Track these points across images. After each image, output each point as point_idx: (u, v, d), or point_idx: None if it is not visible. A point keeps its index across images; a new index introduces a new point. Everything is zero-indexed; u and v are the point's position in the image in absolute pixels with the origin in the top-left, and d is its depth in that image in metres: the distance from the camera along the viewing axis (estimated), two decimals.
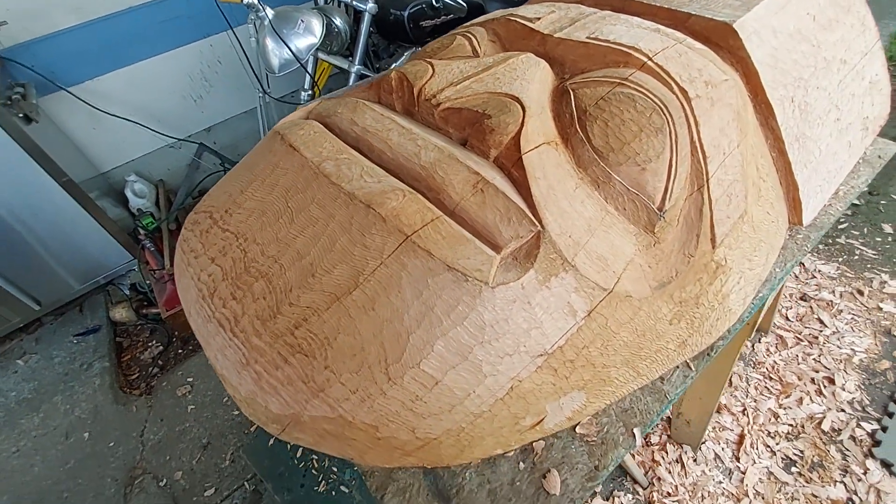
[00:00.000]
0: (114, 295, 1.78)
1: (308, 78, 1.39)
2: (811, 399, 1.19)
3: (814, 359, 1.26)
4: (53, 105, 1.66)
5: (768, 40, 0.63)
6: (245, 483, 1.23)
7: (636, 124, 0.50)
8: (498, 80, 0.53)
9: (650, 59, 0.54)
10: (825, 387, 1.20)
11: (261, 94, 1.45)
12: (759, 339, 1.33)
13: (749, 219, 0.57)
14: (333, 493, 1.00)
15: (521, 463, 0.53)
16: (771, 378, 1.24)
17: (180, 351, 1.63)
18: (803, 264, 1.50)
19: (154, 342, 1.68)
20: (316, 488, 1.01)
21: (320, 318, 0.40)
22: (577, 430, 0.54)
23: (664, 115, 0.50)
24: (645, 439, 1.17)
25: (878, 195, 1.68)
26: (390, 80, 0.58)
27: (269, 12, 1.17)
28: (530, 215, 0.43)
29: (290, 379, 0.39)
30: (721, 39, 0.62)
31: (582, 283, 0.43)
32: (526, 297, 0.41)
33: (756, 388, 1.23)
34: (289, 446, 1.11)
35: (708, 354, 0.59)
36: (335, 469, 1.02)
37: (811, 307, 1.38)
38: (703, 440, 1.13)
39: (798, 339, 1.31)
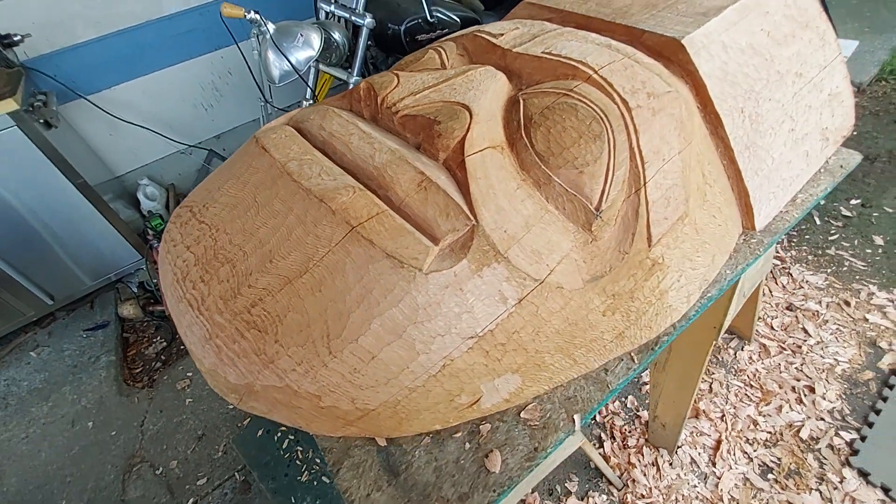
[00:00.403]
0: (123, 292, 1.86)
1: (308, 88, 1.46)
2: (791, 407, 1.20)
3: (796, 367, 1.27)
4: (73, 112, 1.76)
5: (718, 55, 0.67)
6: (236, 473, 1.28)
7: (576, 131, 0.54)
8: (454, 90, 0.58)
9: (595, 72, 0.59)
10: (805, 395, 1.21)
11: (262, 104, 1.53)
12: (742, 348, 1.34)
13: (691, 221, 0.61)
14: (315, 482, 1.04)
15: (467, 443, 0.57)
16: (752, 386, 1.25)
17: (182, 347, 1.70)
18: (791, 274, 1.51)
19: (158, 338, 1.75)
20: (299, 478, 1.06)
21: (274, 298, 0.45)
22: (522, 414, 0.58)
23: (603, 123, 0.55)
24: (622, 441, 1.19)
25: (870, 207, 1.68)
26: (360, 89, 0.63)
27: (271, 27, 1.24)
28: (467, 211, 0.47)
29: (245, 351, 0.44)
30: (671, 54, 0.67)
31: (514, 273, 0.48)
32: (458, 284, 0.45)
33: (736, 395, 1.24)
34: (275, 437, 1.17)
35: (652, 349, 0.62)
36: (318, 460, 1.07)
37: (797, 317, 1.39)
38: (680, 444, 1.15)
39: (781, 347, 1.32)
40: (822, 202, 1.77)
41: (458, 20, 1.49)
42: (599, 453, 1.18)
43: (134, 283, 1.86)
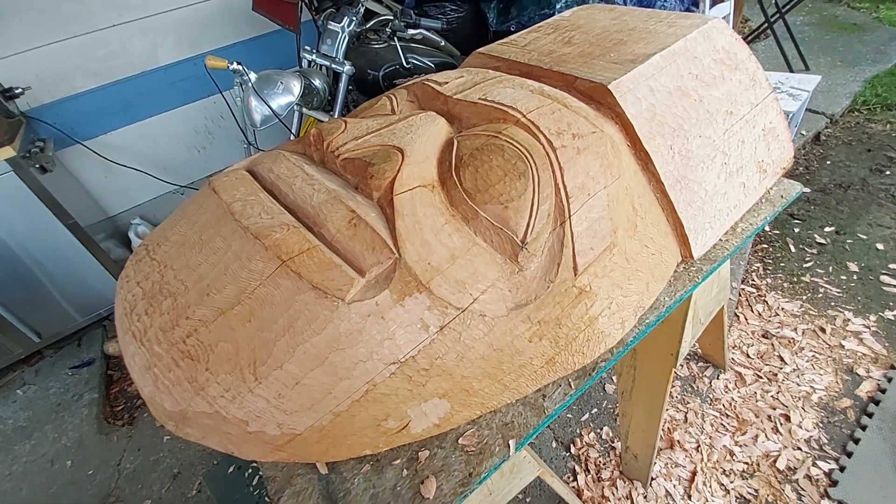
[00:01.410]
0: (110, 329, 1.89)
1: (291, 132, 1.54)
2: (767, 436, 1.19)
3: (772, 396, 1.27)
4: (70, 156, 1.85)
5: (645, 97, 0.73)
6: None
7: (502, 169, 0.59)
8: (393, 134, 0.63)
9: (524, 115, 0.64)
10: (782, 424, 1.20)
11: (246, 146, 1.61)
12: (718, 376, 1.34)
13: (620, 251, 0.64)
14: None
15: (405, 470, 0.58)
16: (727, 415, 1.25)
17: None
18: (767, 302, 1.53)
19: None
20: None
21: (207, 329, 0.48)
22: (460, 441, 0.59)
23: (528, 161, 0.59)
24: (596, 474, 1.18)
25: (844, 234, 1.71)
26: (310, 135, 0.69)
27: (253, 76, 1.33)
28: (391, 245, 0.51)
29: (179, 380, 0.47)
30: (601, 97, 0.72)
31: (435, 302, 0.51)
32: (380, 313, 0.48)
33: (712, 425, 1.23)
34: (245, 474, 1.17)
35: (590, 374, 0.64)
36: None
37: (773, 344, 1.40)
38: (654, 476, 1.13)
39: (758, 376, 1.32)
40: (797, 230, 1.80)
41: (433, 66, 1.58)
42: (573, 487, 1.16)
43: None
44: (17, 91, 1.56)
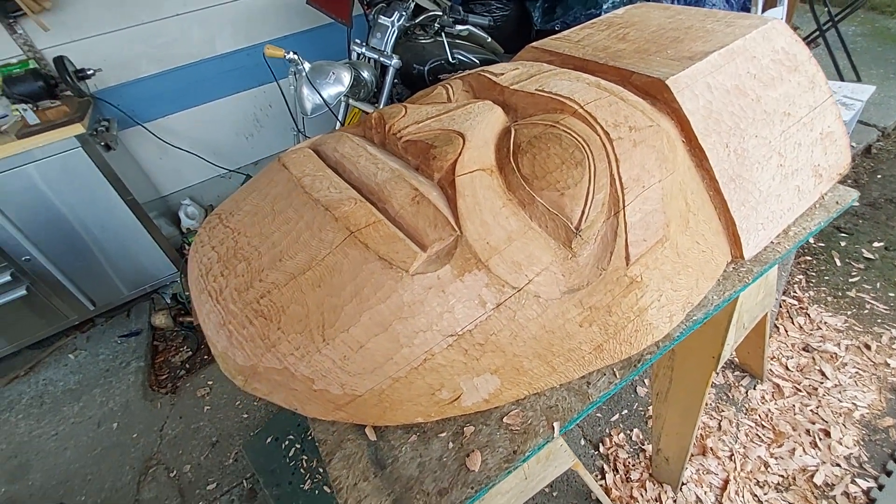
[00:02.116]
0: (157, 302, 1.99)
1: (338, 121, 1.59)
2: (804, 451, 1.15)
3: (811, 410, 1.23)
4: (130, 137, 1.96)
5: (702, 94, 0.73)
6: (244, 481, 1.32)
7: (559, 157, 0.60)
8: (453, 120, 0.66)
9: (581, 107, 0.65)
10: (821, 439, 1.17)
11: (295, 133, 1.67)
12: (754, 387, 1.31)
13: (672, 245, 0.65)
14: (317, 491, 1.08)
15: (450, 443, 0.60)
16: (763, 426, 1.22)
17: (206, 357, 1.79)
18: (809, 315, 1.48)
19: (185, 347, 1.85)
20: (302, 486, 1.10)
21: (280, 292, 0.51)
22: (505, 420, 0.61)
23: (585, 151, 0.61)
24: (625, 475, 1.17)
25: (894, 250, 1.64)
26: (372, 118, 0.72)
27: (307, 65, 1.38)
28: (453, 223, 0.54)
29: (252, 336, 0.51)
30: (657, 93, 0.72)
31: (493, 280, 0.53)
32: (441, 286, 0.51)
33: (746, 435, 1.21)
34: (282, 445, 1.22)
35: (635, 366, 0.65)
36: (321, 470, 1.11)
37: (813, 358, 1.36)
38: (685, 481, 1.12)
39: (796, 389, 1.29)
40: (843, 244, 1.74)
41: (477, 62, 1.60)
42: (601, 485, 1.16)
43: (168, 294, 1.99)
44: (88, 72, 1.67)
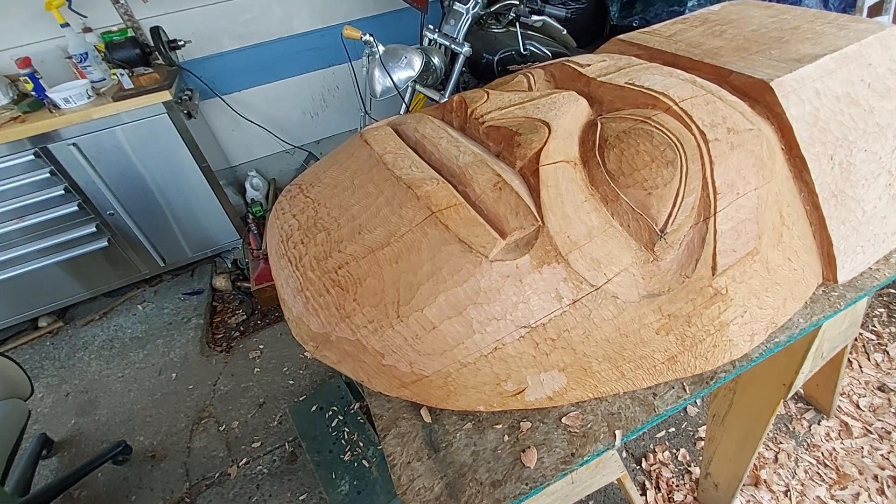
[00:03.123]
0: (219, 266, 2.11)
1: (404, 105, 1.60)
2: (870, 497, 1.06)
3: (881, 454, 1.13)
4: (208, 108, 2.07)
5: (809, 100, 0.67)
6: (286, 444, 1.38)
7: (649, 155, 0.57)
8: (537, 109, 0.64)
9: (676, 103, 0.62)
10: (889, 487, 1.07)
11: (362, 114, 1.70)
12: (819, 422, 1.22)
13: (762, 259, 0.61)
14: (356, 464, 1.11)
15: (506, 436, 0.60)
16: (826, 465, 1.13)
17: (259, 322, 1.88)
18: (888, 352, 1.35)
19: (241, 311, 1.95)
20: (342, 456, 1.14)
21: (357, 264, 0.52)
22: (563, 420, 0.59)
23: (678, 150, 0.57)
24: (667, 494, 1.12)
25: None
26: (452, 101, 0.71)
27: (381, 48, 1.40)
28: (535, 213, 0.52)
29: (328, 305, 0.52)
30: (758, 95, 0.67)
31: (571, 275, 0.51)
32: (519, 276, 0.50)
33: (806, 472, 1.12)
34: (326, 415, 1.26)
35: (707, 383, 0.62)
36: (361, 444, 1.14)
37: (889, 399, 1.24)
38: None
39: (867, 430, 1.18)
40: None
41: (549, 54, 1.56)
42: (642, 501, 1.12)
43: (229, 259, 2.10)
44: (180, 43, 1.77)
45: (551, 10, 1.58)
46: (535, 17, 1.58)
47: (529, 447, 0.58)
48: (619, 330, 0.53)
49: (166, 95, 1.60)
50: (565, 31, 1.74)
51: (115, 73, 1.64)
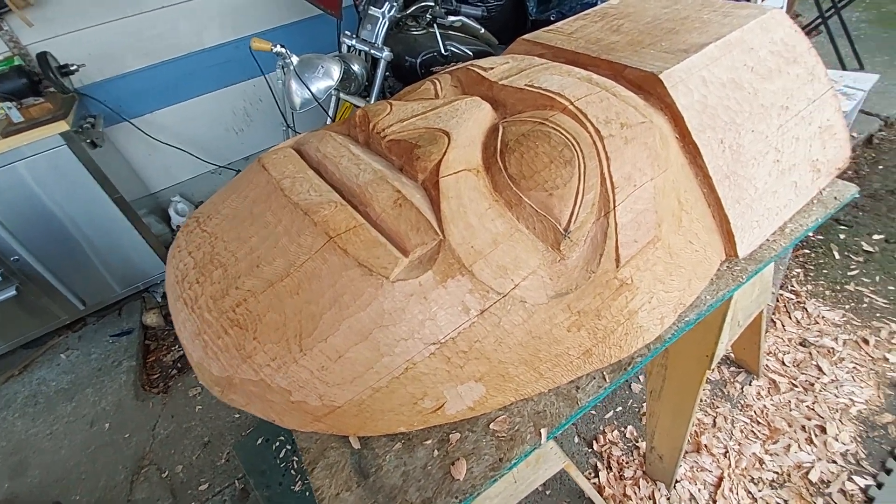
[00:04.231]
0: (148, 301, 1.97)
1: (328, 116, 1.56)
2: (800, 447, 1.15)
3: (807, 406, 1.22)
4: (118, 133, 1.93)
5: (697, 88, 0.70)
6: (236, 481, 1.31)
7: (548, 156, 0.58)
8: (438, 118, 0.63)
9: (571, 103, 0.63)
10: (817, 436, 1.16)
11: (285, 129, 1.64)
12: (750, 382, 1.30)
13: (664, 245, 0.63)
14: (307, 493, 1.07)
15: (435, 451, 0.59)
16: (758, 422, 1.21)
17: None
18: (806, 309, 1.47)
19: (177, 346, 1.84)
20: (292, 487, 1.09)
21: (256, 299, 0.49)
22: (491, 426, 0.59)
23: (574, 149, 0.58)
24: (618, 472, 1.17)
25: (894, 243, 1.63)
26: (356, 116, 0.70)
27: (295, 59, 1.35)
28: (436, 227, 0.51)
29: (227, 346, 0.49)
30: (651, 87, 0.70)
31: (477, 286, 0.51)
32: (423, 293, 0.49)
33: (741, 432, 1.20)
34: (273, 447, 1.21)
35: (625, 369, 0.63)
36: None
37: (810, 353, 1.35)
38: (679, 479, 1.11)
39: (792, 384, 1.28)
40: (842, 236, 1.72)
41: (471, 54, 1.57)
42: (594, 483, 1.15)
43: (159, 293, 1.97)
44: (72, 68, 1.63)
45: (467, 10, 1.59)
46: (451, 18, 1.59)
47: (459, 459, 0.58)
48: (530, 333, 0.53)
49: (63, 126, 1.47)
50: (483, 30, 1.76)
51: (1, 108, 1.49)
